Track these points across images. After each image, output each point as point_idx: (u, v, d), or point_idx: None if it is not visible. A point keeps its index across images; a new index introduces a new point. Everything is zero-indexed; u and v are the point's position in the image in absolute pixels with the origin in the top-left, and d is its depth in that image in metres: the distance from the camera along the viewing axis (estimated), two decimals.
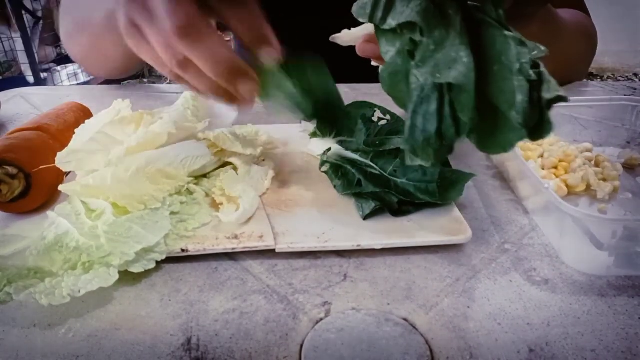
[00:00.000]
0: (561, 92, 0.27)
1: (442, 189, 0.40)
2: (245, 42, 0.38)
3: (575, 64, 0.74)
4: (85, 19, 0.59)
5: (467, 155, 0.54)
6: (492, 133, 0.29)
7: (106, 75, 0.76)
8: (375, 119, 0.48)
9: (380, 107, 0.50)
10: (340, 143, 0.47)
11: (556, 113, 0.55)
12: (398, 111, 0.52)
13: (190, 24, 0.35)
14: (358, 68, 0.82)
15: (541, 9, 0.53)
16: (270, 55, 0.38)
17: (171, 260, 0.37)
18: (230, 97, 0.39)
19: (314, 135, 0.51)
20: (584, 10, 0.76)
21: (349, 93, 0.73)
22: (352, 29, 0.41)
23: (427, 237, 0.38)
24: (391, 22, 0.31)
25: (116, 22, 0.39)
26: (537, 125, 0.27)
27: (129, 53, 0.40)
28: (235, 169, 0.46)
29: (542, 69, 0.27)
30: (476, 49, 0.28)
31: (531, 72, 0.26)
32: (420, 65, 0.29)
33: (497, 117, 0.28)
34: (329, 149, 0.47)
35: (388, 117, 0.49)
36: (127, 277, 0.34)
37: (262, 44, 0.38)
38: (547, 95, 0.26)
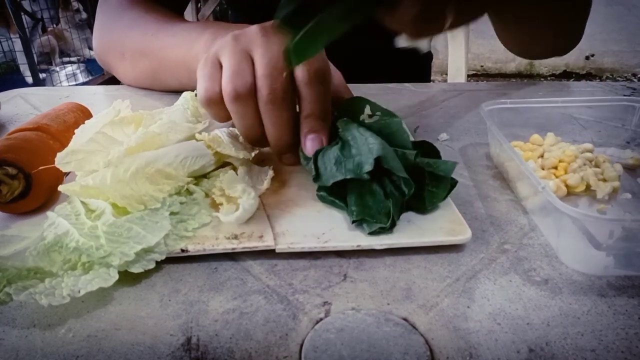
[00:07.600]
0: None
1: (429, 188, 0.40)
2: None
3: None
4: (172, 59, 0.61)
5: (466, 155, 0.54)
6: None
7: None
8: (365, 116, 0.46)
9: (370, 103, 0.47)
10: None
11: (556, 113, 0.56)
12: (394, 109, 0.51)
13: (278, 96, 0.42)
14: (358, 68, 0.83)
15: None
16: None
17: (171, 260, 0.37)
18: None
19: None
20: None
21: None
22: None
23: (427, 237, 0.38)
24: None
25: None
26: None
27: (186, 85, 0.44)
28: (235, 169, 0.46)
29: None
30: None
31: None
32: None
33: None
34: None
35: (378, 114, 0.47)
36: (127, 277, 0.34)
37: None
38: None
